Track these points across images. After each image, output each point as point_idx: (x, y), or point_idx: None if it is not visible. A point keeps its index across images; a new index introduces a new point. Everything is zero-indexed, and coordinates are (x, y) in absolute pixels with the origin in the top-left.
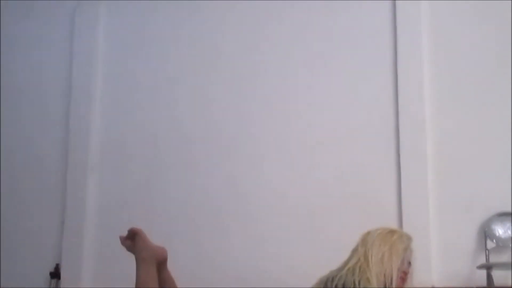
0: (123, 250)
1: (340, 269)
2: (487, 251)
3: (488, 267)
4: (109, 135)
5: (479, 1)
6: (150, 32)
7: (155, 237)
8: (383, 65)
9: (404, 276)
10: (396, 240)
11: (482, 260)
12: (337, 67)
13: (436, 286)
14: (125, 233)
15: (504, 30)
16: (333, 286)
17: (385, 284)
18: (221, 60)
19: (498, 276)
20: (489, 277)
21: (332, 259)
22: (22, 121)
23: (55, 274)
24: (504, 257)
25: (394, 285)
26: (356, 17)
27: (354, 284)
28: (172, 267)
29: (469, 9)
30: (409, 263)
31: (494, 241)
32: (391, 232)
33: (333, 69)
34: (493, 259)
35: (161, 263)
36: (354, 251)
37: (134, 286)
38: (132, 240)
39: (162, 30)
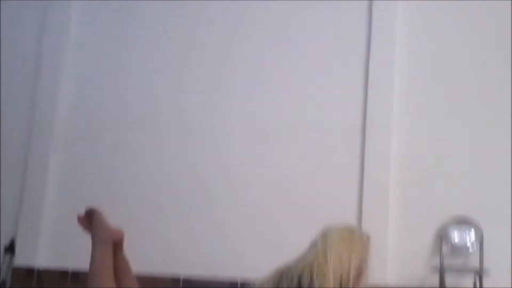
0: (80, 230)
1: (297, 263)
2: (441, 255)
3: (442, 270)
4: (76, 114)
5: (456, 4)
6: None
7: (113, 219)
8: (354, 67)
9: (360, 275)
10: (356, 239)
11: (436, 263)
12: (307, 65)
13: (390, 285)
14: (83, 212)
15: (477, 33)
16: (289, 282)
17: (341, 283)
18: (196, 52)
19: (450, 278)
20: (442, 280)
21: (289, 255)
22: None
23: (10, 249)
24: (457, 261)
25: (350, 284)
26: (331, 17)
27: (311, 280)
28: (128, 250)
29: (443, 13)
30: (366, 262)
31: (449, 245)
32: (352, 231)
33: (303, 67)
34: (447, 262)
35: (117, 245)
36: (313, 246)
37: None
38: (90, 220)
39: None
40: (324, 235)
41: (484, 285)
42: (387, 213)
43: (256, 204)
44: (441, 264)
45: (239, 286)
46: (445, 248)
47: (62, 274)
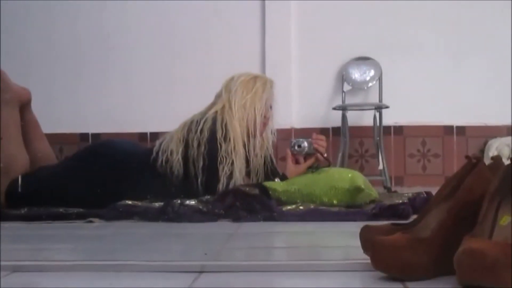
0: None
1: (204, 113)
2: (343, 94)
3: (343, 108)
4: None
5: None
6: None
7: (18, 78)
8: None
9: (265, 120)
10: (258, 87)
11: (338, 102)
12: None
13: (295, 127)
14: None
15: None
16: (197, 128)
17: (248, 128)
18: None
19: (352, 116)
20: (344, 117)
21: (194, 104)
22: None
23: None
24: (358, 99)
25: (257, 130)
26: None
27: (221, 126)
28: (36, 108)
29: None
30: (270, 107)
31: (351, 84)
32: (254, 78)
33: None
34: (348, 101)
35: (24, 105)
36: (218, 97)
37: None
38: None
39: None
40: (228, 85)
41: (384, 119)
42: (289, 58)
43: (158, 54)
44: (343, 101)
45: (148, 136)
46: (346, 87)
47: None
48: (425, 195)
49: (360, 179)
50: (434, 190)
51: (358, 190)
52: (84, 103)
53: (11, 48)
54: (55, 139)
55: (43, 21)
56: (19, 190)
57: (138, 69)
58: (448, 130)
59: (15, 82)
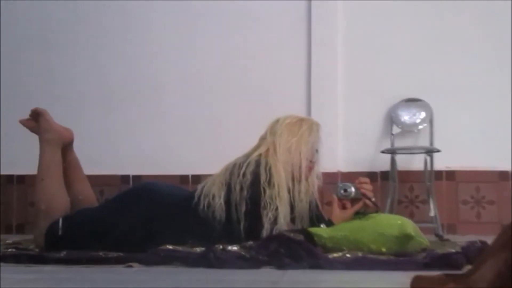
0: (27, 133)
1: (247, 156)
2: (392, 136)
3: (392, 152)
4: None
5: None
6: None
7: (61, 120)
8: None
9: (311, 164)
10: (304, 130)
11: (387, 145)
12: None
13: (342, 170)
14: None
15: None
16: (240, 172)
17: (293, 173)
18: None
19: (401, 160)
20: (393, 161)
21: (238, 147)
22: None
23: None
24: (408, 142)
25: (303, 174)
26: None
27: (264, 170)
28: (78, 150)
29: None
30: (317, 151)
31: (400, 126)
32: (300, 121)
33: None
34: (398, 144)
35: (66, 146)
36: (262, 139)
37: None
38: (36, 121)
39: None
40: (273, 127)
41: (435, 163)
42: (336, 98)
43: (204, 99)
44: (392, 144)
45: (190, 179)
46: (395, 129)
47: (8, 178)
48: (479, 244)
49: (410, 226)
50: (489, 239)
51: (408, 237)
52: (125, 144)
53: (56, 88)
54: (96, 181)
55: (90, 61)
56: (60, 232)
57: (180, 109)
58: (503, 175)
59: (57, 122)
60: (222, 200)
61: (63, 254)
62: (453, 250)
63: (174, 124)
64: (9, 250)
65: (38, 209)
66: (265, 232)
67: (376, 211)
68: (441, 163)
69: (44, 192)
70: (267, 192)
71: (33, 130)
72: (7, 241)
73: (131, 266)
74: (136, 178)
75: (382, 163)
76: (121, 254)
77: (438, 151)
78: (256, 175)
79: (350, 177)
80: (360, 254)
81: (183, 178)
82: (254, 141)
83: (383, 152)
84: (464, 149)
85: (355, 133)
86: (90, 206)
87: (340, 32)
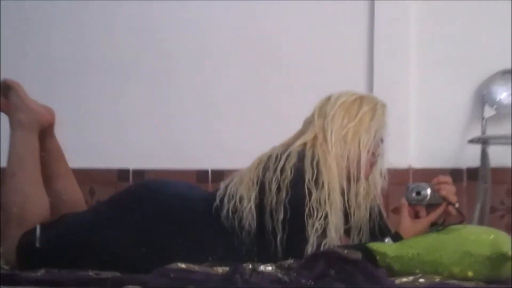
0: None
1: (287, 145)
2: (483, 121)
3: (484, 141)
4: None
5: None
6: None
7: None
8: None
9: (373, 159)
10: (365, 112)
11: (477, 133)
12: None
13: (413, 166)
14: None
15: None
16: (277, 166)
17: (349, 169)
18: None
19: (496, 153)
20: (484, 155)
21: (274, 136)
22: None
23: None
24: (505, 129)
25: (361, 171)
26: None
27: (310, 164)
28: (61, 135)
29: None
30: (381, 140)
31: (495, 107)
32: (359, 99)
33: None
34: (491, 131)
35: (45, 130)
36: (308, 123)
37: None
38: (6, 96)
39: None
40: (322, 108)
41: None
42: (407, 71)
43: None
44: (483, 132)
45: (209, 175)
46: (488, 111)
47: None
48: None
49: (507, 243)
50: None
51: (503, 258)
52: (124, 131)
53: (33, 60)
54: (84, 176)
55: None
56: (36, 244)
57: (195, 82)
58: None
59: (35, 100)
60: (252, 204)
61: (40, 273)
62: None
63: (187, 102)
64: None
65: (7, 213)
66: (310, 248)
67: (461, 222)
68: None
69: (16, 190)
70: (314, 194)
71: (2, 109)
72: None
73: None
74: (138, 173)
75: (470, 157)
76: (118, 274)
77: None
78: (299, 172)
79: (425, 175)
80: (437, 279)
81: (201, 175)
82: (297, 127)
83: (470, 142)
84: None
85: (433, 117)
86: (76, 210)
87: None
